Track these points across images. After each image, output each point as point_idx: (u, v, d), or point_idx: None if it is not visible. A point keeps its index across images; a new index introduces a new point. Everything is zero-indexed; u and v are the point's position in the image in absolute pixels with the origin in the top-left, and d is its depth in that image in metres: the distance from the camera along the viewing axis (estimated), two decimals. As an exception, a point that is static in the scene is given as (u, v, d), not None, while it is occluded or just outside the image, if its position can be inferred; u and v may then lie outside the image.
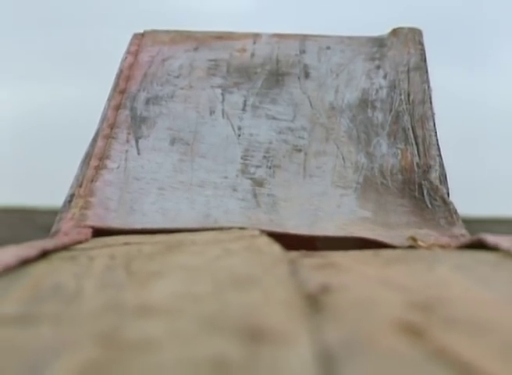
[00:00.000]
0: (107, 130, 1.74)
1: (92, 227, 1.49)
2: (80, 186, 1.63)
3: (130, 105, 1.81)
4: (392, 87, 1.87)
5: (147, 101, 1.82)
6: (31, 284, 0.90)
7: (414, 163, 1.70)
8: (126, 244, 1.26)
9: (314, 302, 0.75)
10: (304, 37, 2.01)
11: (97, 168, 1.66)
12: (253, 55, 1.95)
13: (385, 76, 1.90)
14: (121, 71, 1.90)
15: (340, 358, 0.57)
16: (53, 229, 1.57)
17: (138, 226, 1.52)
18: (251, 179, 1.66)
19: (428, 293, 0.83)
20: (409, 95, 1.85)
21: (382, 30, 2.03)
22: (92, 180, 1.63)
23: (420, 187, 1.65)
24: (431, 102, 1.85)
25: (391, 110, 1.81)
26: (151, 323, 0.68)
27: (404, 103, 1.83)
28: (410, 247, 1.45)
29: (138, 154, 1.70)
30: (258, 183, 1.65)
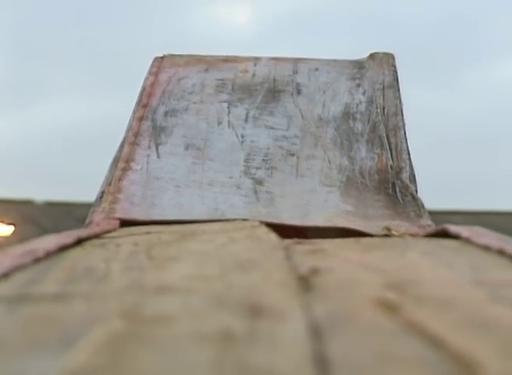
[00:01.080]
0: (132, 138, 1.74)
1: (119, 219, 1.48)
2: (110, 184, 1.62)
3: (151, 117, 1.80)
4: (370, 102, 1.86)
5: (166, 114, 1.81)
6: (67, 267, 0.89)
7: (388, 165, 1.69)
8: (148, 233, 1.25)
9: (306, 283, 0.74)
10: (296, 60, 2.00)
11: (124, 169, 1.65)
12: (254, 75, 1.94)
13: (364, 93, 1.89)
14: (144, 88, 1.90)
15: (328, 330, 0.57)
16: (87, 220, 1.56)
17: (158, 218, 1.51)
18: (252, 178, 1.65)
19: (402, 274, 0.82)
20: (384, 109, 1.84)
21: (362, 54, 2.02)
22: (119, 180, 1.62)
23: (393, 186, 1.64)
24: (402, 115, 1.84)
25: (369, 121, 1.80)
26: (167, 300, 0.67)
27: (380, 115, 1.82)
28: (386, 235, 1.44)
29: (158, 157, 1.69)
30: (258, 182, 1.64)
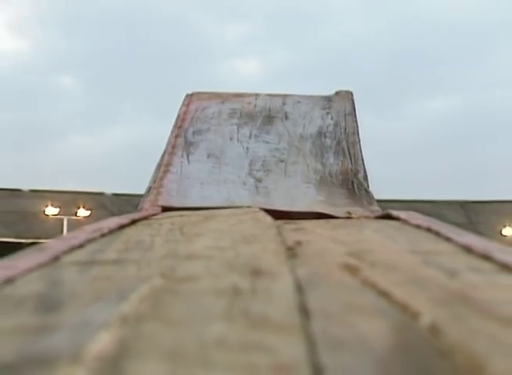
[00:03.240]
0: (170, 150, 1.72)
1: (161, 206, 1.47)
2: (154, 182, 1.61)
3: (184, 135, 1.78)
4: (336, 124, 1.84)
5: (194, 133, 1.79)
6: (124, 240, 0.87)
7: (349, 169, 1.67)
8: (181, 216, 1.23)
9: (292, 252, 0.73)
10: (284, 95, 1.99)
11: (165, 172, 1.63)
12: (255, 106, 1.92)
13: (332, 118, 1.87)
14: (179, 115, 1.88)
15: (308, 286, 0.55)
16: (139, 207, 1.55)
17: (188, 205, 1.49)
18: (254, 178, 1.64)
19: (359, 246, 0.80)
20: (345, 129, 1.82)
21: (330, 91, 2.01)
22: (161, 179, 1.60)
23: (352, 183, 1.62)
24: (358, 134, 1.82)
25: (335, 138, 1.79)
26: (193, 264, 0.65)
27: (343, 134, 1.80)
28: (347, 218, 1.42)
29: (188, 163, 1.68)
30: (258, 180, 1.63)
